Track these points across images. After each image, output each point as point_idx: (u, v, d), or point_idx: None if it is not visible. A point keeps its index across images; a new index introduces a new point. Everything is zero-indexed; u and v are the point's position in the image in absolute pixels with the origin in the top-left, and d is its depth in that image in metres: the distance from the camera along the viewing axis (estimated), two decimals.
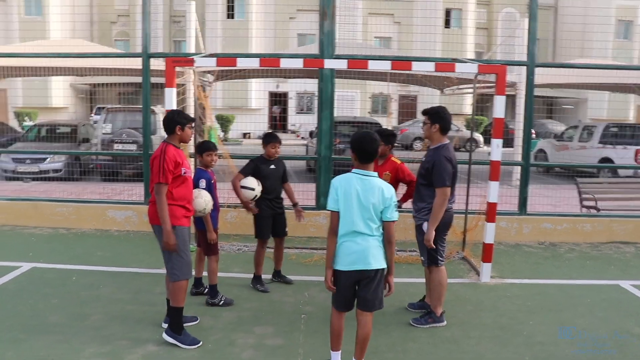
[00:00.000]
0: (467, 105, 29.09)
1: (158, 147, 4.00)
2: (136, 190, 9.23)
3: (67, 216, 7.51)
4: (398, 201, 5.32)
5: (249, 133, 21.54)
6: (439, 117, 4.43)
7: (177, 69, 5.35)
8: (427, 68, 5.12)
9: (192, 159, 6.55)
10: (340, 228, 3.39)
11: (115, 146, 11.14)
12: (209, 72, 10.83)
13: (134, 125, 11.58)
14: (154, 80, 7.46)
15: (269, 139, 5.13)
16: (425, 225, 4.39)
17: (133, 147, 11.12)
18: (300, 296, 5.09)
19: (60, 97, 24.65)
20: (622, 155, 13.61)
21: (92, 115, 20.85)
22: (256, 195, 4.87)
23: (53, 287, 5.16)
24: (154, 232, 4.08)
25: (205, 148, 4.73)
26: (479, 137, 24.78)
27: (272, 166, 5.14)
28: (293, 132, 23.44)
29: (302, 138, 20.76)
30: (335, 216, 3.39)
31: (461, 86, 18.06)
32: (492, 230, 5.50)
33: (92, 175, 11.72)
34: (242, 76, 14.49)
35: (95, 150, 11.89)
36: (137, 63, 8.60)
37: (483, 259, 5.56)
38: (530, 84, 7.15)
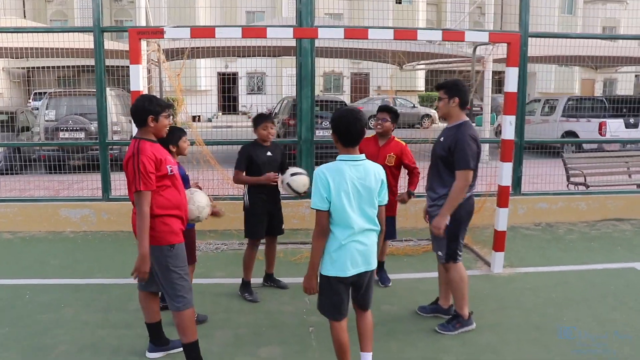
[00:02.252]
0: (420, 79, 29.03)
1: (129, 146, 3.19)
2: (88, 183, 8.24)
3: (11, 218, 6.48)
4: (409, 188, 4.77)
5: (199, 115, 20.44)
6: (457, 90, 3.84)
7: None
8: (435, 37, 4.49)
9: None
10: (336, 229, 2.86)
11: (61, 134, 9.99)
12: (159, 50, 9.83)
13: (80, 111, 10.44)
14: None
15: (259, 120, 4.39)
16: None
17: (81, 135, 10.02)
18: (301, 303, 4.43)
19: None
20: (586, 128, 13.63)
21: (30, 101, 19.20)
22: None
23: (0, 310, 4.27)
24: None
25: (179, 134, 3.88)
26: (433, 112, 24.69)
27: (269, 153, 4.40)
28: (244, 113, 22.65)
29: None
30: (324, 216, 2.82)
31: (421, 62, 17.71)
32: (505, 216, 5.00)
33: (35, 168, 10.51)
34: (191, 56, 13.44)
35: (38, 139, 10.65)
36: (81, 42, 7.53)
37: (495, 248, 5.08)
38: (523, 56, 6.67)
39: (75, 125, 9.97)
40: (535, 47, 7.56)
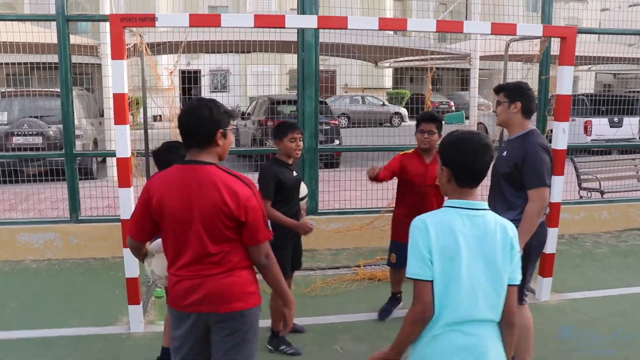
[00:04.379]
0: (387, 77, 28.54)
1: (208, 181, 2.15)
2: (48, 193, 7.14)
3: None
4: None
5: (160, 115, 19.26)
6: (520, 94, 3.17)
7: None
8: (483, 30, 3.77)
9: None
10: (438, 312, 1.87)
11: (15, 139, 8.78)
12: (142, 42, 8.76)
13: (36, 113, 9.24)
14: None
15: (284, 130, 3.44)
16: None
17: (38, 140, 8.84)
18: (332, 354, 3.64)
19: None
20: (570, 128, 13.31)
21: None
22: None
23: None
24: (217, 320, 2.22)
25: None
26: (403, 111, 24.24)
27: (295, 173, 3.54)
28: None
29: None
30: (426, 290, 1.85)
31: (399, 59, 17.13)
32: (555, 237, 4.35)
33: None
34: (153, 53, 12.33)
35: None
36: (32, 34, 6.40)
37: (543, 273, 4.41)
38: (546, 52, 6.06)
39: (31, 129, 8.78)
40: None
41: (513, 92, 3.18)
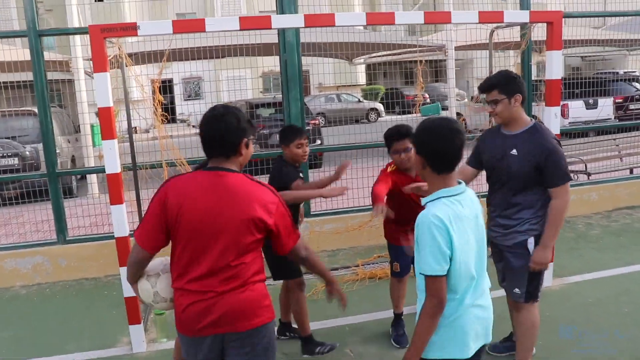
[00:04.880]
0: (361, 74, 28.56)
1: (239, 190, 2.09)
2: (29, 216, 6.90)
3: None
4: None
5: (135, 127, 18.96)
6: (516, 85, 2.95)
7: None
8: (471, 19, 3.74)
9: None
10: (452, 293, 2.01)
11: None
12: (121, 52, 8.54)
13: (10, 134, 8.94)
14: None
15: (290, 135, 3.39)
16: (531, 242, 3.01)
17: (14, 161, 8.56)
18: (344, 358, 3.57)
19: None
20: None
21: None
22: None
23: None
24: (235, 338, 2.13)
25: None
26: (379, 106, 24.29)
27: (301, 175, 3.47)
28: (183, 120, 21.43)
29: (194, 126, 18.71)
30: (442, 285, 1.96)
31: (373, 54, 17.13)
32: None
33: None
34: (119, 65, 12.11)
35: None
36: (6, 54, 6.19)
37: None
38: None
39: (5, 150, 8.50)
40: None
41: (509, 86, 2.94)
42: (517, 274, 3.05)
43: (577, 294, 4.32)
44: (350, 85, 27.05)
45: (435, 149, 2.00)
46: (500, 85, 2.95)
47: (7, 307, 4.81)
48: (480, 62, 7.31)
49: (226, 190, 2.07)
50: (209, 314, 2.07)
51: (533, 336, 3.12)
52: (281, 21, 3.55)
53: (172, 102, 24.37)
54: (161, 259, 2.31)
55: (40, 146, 8.45)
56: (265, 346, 2.16)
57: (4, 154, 8.46)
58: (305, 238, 3.47)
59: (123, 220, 3.60)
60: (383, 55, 16.65)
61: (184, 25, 3.45)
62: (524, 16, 3.93)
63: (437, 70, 24.43)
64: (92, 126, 9.64)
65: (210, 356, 2.14)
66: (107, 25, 3.34)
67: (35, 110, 8.88)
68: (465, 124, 15.79)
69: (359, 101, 25.66)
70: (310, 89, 26.23)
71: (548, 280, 4.47)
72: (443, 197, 2.02)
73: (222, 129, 2.09)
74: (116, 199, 3.56)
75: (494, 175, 3.14)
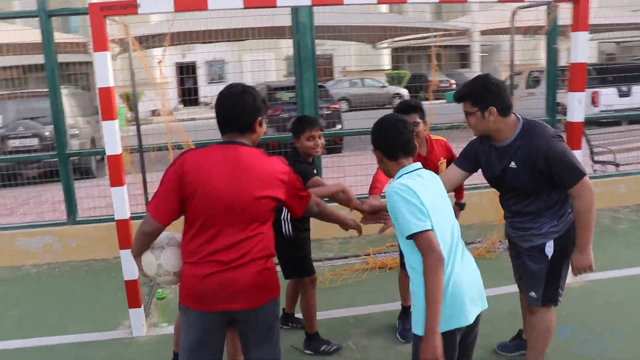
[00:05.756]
0: (386, 57, 28.03)
1: (255, 162, 2.15)
2: (48, 195, 6.97)
3: None
4: (457, 199, 3.81)
5: (157, 110, 19.08)
6: (490, 96, 2.57)
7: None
8: None
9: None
10: (446, 260, 2.07)
11: (11, 142, 8.63)
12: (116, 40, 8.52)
13: (31, 115, 9.06)
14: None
15: (302, 126, 3.14)
16: (550, 245, 2.73)
17: (34, 141, 8.67)
18: (346, 351, 3.45)
19: None
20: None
21: None
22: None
23: None
24: (247, 315, 2.20)
25: None
26: (404, 91, 23.81)
27: (315, 170, 3.29)
28: (207, 104, 21.50)
29: None
30: (433, 237, 2.02)
31: (396, 38, 16.73)
32: None
33: None
34: (146, 47, 12.09)
35: None
36: (26, 35, 6.22)
37: None
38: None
39: (26, 131, 8.61)
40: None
41: (481, 98, 2.58)
42: (534, 277, 2.83)
43: (597, 292, 4.09)
44: (374, 70, 26.61)
45: (387, 140, 2.21)
46: (473, 95, 2.61)
47: (17, 285, 4.84)
48: (508, 46, 6.94)
49: (241, 163, 2.11)
50: (228, 287, 2.10)
51: (546, 340, 2.92)
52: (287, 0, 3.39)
53: (195, 84, 24.46)
54: (166, 234, 2.29)
55: None
56: (273, 319, 2.27)
57: (25, 135, 8.57)
58: (318, 225, 3.35)
59: (124, 202, 3.54)
60: (405, 40, 16.24)
61: (185, 3, 3.32)
62: None
63: (463, 55, 23.80)
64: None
65: (215, 331, 2.19)
66: (107, 3, 3.24)
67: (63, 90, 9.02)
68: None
69: (383, 86, 25.24)
70: (333, 73, 25.91)
71: (568, 276, 4.25)
72: (403, 174, 2.18)
73: (239, 107, 2.17)
74: (117, 181, 3.49)
75: (501, 187, 2.84)
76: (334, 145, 9.55)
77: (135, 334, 3.73)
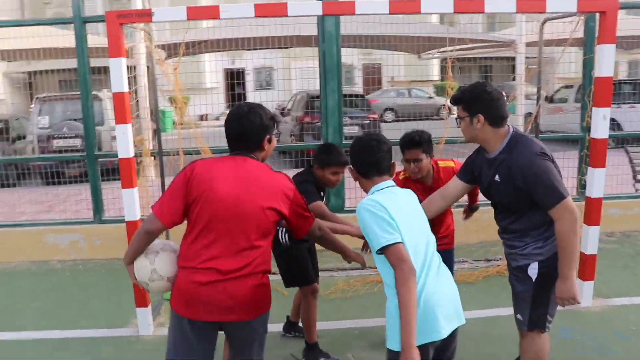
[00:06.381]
0: (435, 67, 27.62)
1: (263, 175, 2.21)
2: (88, 194, 7.24)
3: None
4: (471, 204, 3.70)
5: (206, 114, 19.55)
6: (480, 104, 2.53)
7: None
8: (507, 8, 3.41)
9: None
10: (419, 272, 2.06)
11: (55, 142, 9.06)
12: (161, 46, 8.82)
13: (76, 116, 9.49)
14: (94, 63, 5.43)
15: (331, 159, 3.08)
16: (534, 267, 2.57)
17: (77, 142, 9.06)
18: None
19: None
20: (628, 116, 12.26)
21: (32, 106, 18.39)
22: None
23: None
24: (238, 326, 2.24)
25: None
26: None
27: (323, 194, 3.27)
28: None
29: None
30: (403, 249, 1.99)
31: (441, 49, 16.48)
32: (596, 237, 3.91)
33: (29, 178, 9.57)
34: (194, 52, 12.40)
35: (32, 148, 9.73)
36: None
37: (584, 276, 3.97)
38: (591, 31, 5.56)
39: (70, 131, 9.02)
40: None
41: (471, 104, 2.55)
42: (518, 298, 2.69)
43: (618, 317, 3.86)
44: (422, 81, 26.31)
45: (361, 160, 2.25)
46: (464, 101, 2.59)
47: (43, 279, 5.06)
48: (561, 58, 6.61)
49: (249, 172, 2.16)
50: (224, 299, 2.11)
51: None
52: (298, 9, 3.40)
53: (243, 90, 24.86)
54: (161, 240, 2.32)
55: (102, 128, 8.98)
56: (262, 332, 2.30)
57: (69, 135, 8.97)
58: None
59: (134, 204, 3.64)
60: (450, 50, 15.96)
61: (198, 12, 3.39)
62: (571, 5, 3.51)
63: (513, 67, 23.12)
64: (163, 112, 10.00)
65: (205, 341, 2.21)
66: (123, 12, 3.36)
67: (100, 94, 9.40)
68: (537, 124, 14.78)
69: (430, 97, 24.92)
70: (382, 82, 25.78)
71: (587, 299, 4.04)
72: (375, 191, 2.21)
73: (247, 128, 2.21)
74: (127, 183, 3.60)
75: (491, 201, 2.76)
76: None
77: (141, 332, 3.81)
